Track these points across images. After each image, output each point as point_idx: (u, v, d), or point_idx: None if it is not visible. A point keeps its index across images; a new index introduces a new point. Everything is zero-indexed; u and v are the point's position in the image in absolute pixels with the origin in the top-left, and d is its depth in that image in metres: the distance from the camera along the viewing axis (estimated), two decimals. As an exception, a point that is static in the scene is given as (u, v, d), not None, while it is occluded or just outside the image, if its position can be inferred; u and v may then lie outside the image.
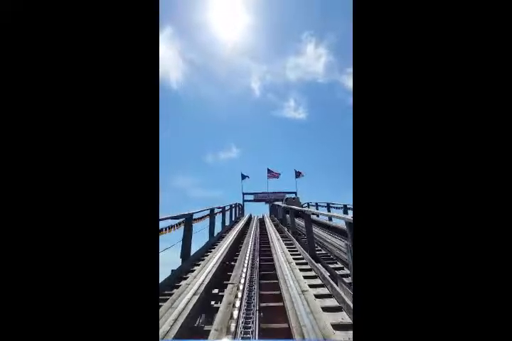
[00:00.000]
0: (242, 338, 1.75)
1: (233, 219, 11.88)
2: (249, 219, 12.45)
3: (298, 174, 21.69)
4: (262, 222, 11.76)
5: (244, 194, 21.25)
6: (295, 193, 21.13)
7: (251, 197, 21.23)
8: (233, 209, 12.45)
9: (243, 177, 21.73)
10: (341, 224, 6.94)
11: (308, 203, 17.99)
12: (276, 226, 9.57)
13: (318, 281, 3.07)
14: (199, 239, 6.35)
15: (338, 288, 2.65)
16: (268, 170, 21.87)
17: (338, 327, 1.88)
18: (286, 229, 8.04)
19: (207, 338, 1.82)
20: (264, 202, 20.78)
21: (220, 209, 8.82)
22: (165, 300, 2.32)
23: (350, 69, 0.77)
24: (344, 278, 3.42)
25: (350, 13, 0.77)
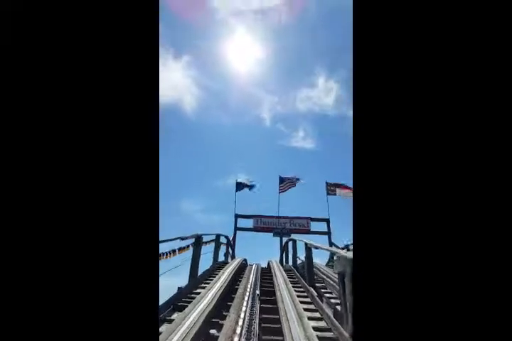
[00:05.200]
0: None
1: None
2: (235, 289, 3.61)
3: (333, 189, 12.85)
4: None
5: (237, 216, 12.25)
6: (327, 221, 12.21)
7: (250, 224, 12.25)
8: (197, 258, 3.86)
9: (239, 186, 12.89)
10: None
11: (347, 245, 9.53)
12: None
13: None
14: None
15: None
16: (280, 178, 13.20)
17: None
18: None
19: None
20: (272, 233, 11.80)
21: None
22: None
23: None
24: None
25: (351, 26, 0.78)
